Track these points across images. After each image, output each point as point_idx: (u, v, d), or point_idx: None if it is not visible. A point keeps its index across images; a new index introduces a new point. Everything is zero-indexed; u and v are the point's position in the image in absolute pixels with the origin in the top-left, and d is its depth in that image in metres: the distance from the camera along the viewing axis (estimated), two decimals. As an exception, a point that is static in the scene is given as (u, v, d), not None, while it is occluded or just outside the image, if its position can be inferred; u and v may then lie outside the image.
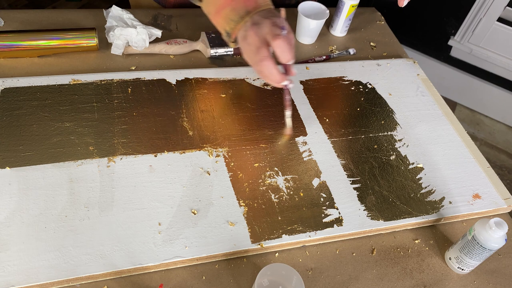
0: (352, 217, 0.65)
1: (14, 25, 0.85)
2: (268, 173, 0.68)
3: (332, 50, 0.96)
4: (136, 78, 0.78)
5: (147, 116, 0.73)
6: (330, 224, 0.63)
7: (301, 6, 0.93)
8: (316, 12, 0.94)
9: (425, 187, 0.71)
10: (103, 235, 0.57)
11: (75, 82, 0.75)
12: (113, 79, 0.77)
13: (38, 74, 0.77)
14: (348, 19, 0.96)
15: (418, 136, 0.79)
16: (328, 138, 0.75)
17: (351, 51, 0.95)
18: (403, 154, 0.75)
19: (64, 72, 0.79)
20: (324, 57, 0.93)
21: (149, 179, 0.64)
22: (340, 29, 0.98)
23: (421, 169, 0.73)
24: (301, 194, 0.66)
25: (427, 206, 0.68)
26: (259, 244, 0.60)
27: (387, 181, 0.71)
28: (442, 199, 0.70)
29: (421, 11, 1.92)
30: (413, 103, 0.85)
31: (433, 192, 0.70)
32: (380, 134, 0.78)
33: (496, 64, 1.88)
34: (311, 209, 0.65)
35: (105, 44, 0.84)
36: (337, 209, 0.65)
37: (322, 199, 0.66)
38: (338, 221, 0.64)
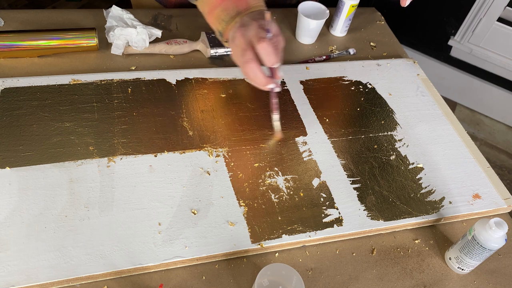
0: (352, 217, 0.65)
1: (14, 25, 0.85)
2: (268, 173, 0.68)
3: (332, 50, 0.96)
4: (136, 78, 0.78)
5: (147, 116, 0.73)
6: (330, 224, 0.63)
7: (301, 6, 0.93)
8: (316, 12, 0.94)
9: (425, 187, 0.71)
10: (103, 235, 0.57)
11: (75, 82, 0.75)
12: (113, 79, 0.77)
13: (38, 74, 0.77)
14: (348, 19, 0.96)
15: (418, 136, 0.79)
16: (328, 138, 0.75)
17: (351, 51, 0.96)
18: (403, 154, 0.75)
19: (64, 72, 0.79)
20: (324, 57, 0.93)
21: (149, 179, 0.64)
22: (340, 29, 0.98)
23: (421, 169, 0.73)
24: (301, 194, 0.66)
25: (427, 206, 0.68)
26: (259, 244, 0.60)
27: (387, 181, 0.71)
28: (442, 199, 0.70)
29: (421, 11, 1.92)
30: (413, 103, 0.85)
31: (433, 192, 0.70)
32: (380, 134, 0.78)
33: (496, 64, 1.88)
34: (311, 209, 0.65)
35: (105, 44, 0.84)
36: (337, 209, 0.65)
37: (322, 199, 0.66)
38: (338, 221, 0.64)
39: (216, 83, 0.80)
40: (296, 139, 0.74)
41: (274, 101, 0.69)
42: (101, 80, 0.76)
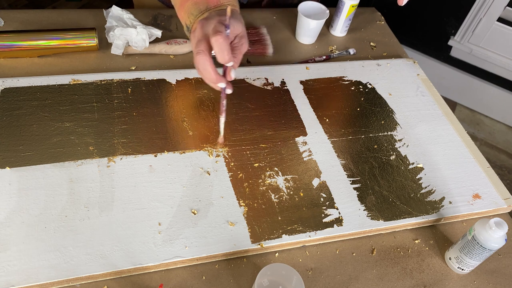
0: (352, 217, 0.65)
1: (14, 25, 0.85)
2: (268, 173, 0.68)
3: (332, 50, 0.96)
4: (136, 78, 0.78)
5: (147, 116, 0.73)
6: (330, 224, 0.63)
7: (301, 6, 0.93)
8: (316, 12, 0.94)
9: (425, 187, 0.71)
10: (103, 235, 0.57)
11: (75, 82, 0.75)
12: (113, 79, 0.77)
13: (38, 74, 0.77)
14: (348, 19, 0.96)
15: (418, 136, 0.79)
16: (328, 138, 0.75)
17: (351, 51, 0.96)
18: (403, 154, 0.75)
19: (64, 72, 0.79)
20: (324, 57, 0.93)
21: (149, 179, 0.64)
22: (340, 29, 0.98)
23: (421, 169, 0.73)
24: (301, 194, 0.66)
25: (427, 206, 0.68)
26: (259, 244, 0.60)
27: (387, 181, 0.71)
28: (442, 199, 0.70)
29: (421, 11, 1.92)
30: (413, 103, 0.85)
31: (433, 192, 0.70)
32: (380, 134, 0.78)
33: (496, 64, 1.88)
34: (311, 209, 0.65)
35: (105, 44, 0.84)
36: (337, 209, 0.65)
37: (322, 199, 0.66)
38: (338, 221, 0.64)
39: (216, 83, 0.80)
40: (296, 139, 0.74)
41: (223, 102, 0.66)
42: (101, 80, 0.76)
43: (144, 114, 0.73)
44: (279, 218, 0.63)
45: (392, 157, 0.74)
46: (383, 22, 1.07)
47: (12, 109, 0.69)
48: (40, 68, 0.78)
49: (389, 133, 0.78)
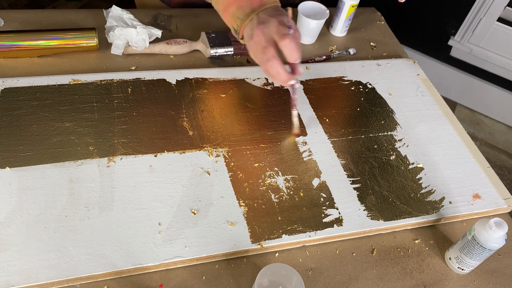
0: (352, 217, 0.65)
1: (14, 25, 0.85)
2: (268, 173, 0.68)
3: (332, 50, 0.96)
4: (136, 78, 0.78)
5: (147, 116, 0.73)
6: (330, 224, 0.63)
7: (301, 6, 0.93)
8: (316, 12, 0.94)
9: (425, 187, 0.71)
10: (103, 235, 0.57)
11: (75, 82, 0.75)
12: (113, 79, 0.77)
13: (38, 74, 0.77)
14: (348, 19, 0.96)
15: (418, 136, 0.79)
16: (328, 138, 0.75)
17: (351, 51, 0.96)
18: (403, 154, 0.75)
19: (64, 72, 0.79)
20: (324, 57, 0.93)
21: (149, 179, 0.64)
22: (340, 29, 0.98)
23: (421, 169, 0.73)
24: (301, 194, 0.66)
25: (427, 206, 0.68)
26: (259, 244, 0.60)
27: (387, 181, 0.71)
28: (442, 199, 0.70)
29: (421, 11, 1.92)
30: (413, 103, 0.85)
31: (433, 192, 0.70)
32: (380, 134, 0.78)
33: (496, 64, 1.88)
34: (311, 209, 0.65)
35: (105, 44, 0.84)
36: (337, 209, 0.65)
37: (322, 199, 0.66)
38: (338, 221, 0.64)
39: (216, 83, 0.80)
40: (296, 139, 0.74)
41: (294, 97, 0.69)
42: (101, 80, 0.76)
43: (144, 114, 0.73)
44: (279, 218, 0.63)
45: (392, 157, 0.74)
46: (383, 22, 1.07)
47: (12, 109, 0.69)
48: (40, 68, 0.78)
49: (389, 133, 0.78)
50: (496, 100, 2.00)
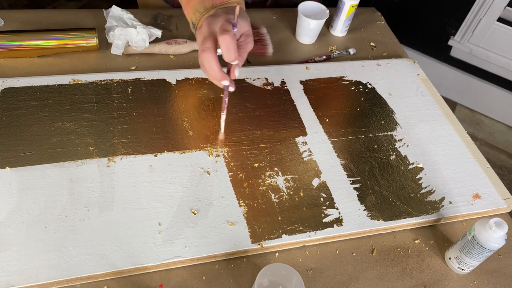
0: (352, 217, 0.65)
1: (14, 25, 0.85)
2: (268, 173, 0.68)
3: (332, 50, 0.96)
4: (136, 78, 0.78)
5: (147, 116, 0.73)
6: (330, 224, 0.63)
7: (301, 6, 0.93)
8: (316, 12, 0.94)
9: (425, 187, 0.71)
10: (103, 235, 0.57)
11: (75, 82, 0.75)
12: (113, 79, 0.77)
13: (38, 74, 0.77)
14: (348, 19, 0.96)
15: (418, 136, 0.79)
16: (328, 138, 0.75)
17: (351, 51, 0.96)
18: (403, 154, 0.75)
19: (64, 72, 0.79)
20: (324, 57, 0.93)
21: (149, 179, 0.64)
22: (340, 29, 0.98)
23: (421, 169, 0.73)
24: (301, 194, 0.66)
25: (427, 206, 0.68)
26: (259, 244, 0.60)
27: (387, 181, 0.71)
28: (442, 199, 0.70)
29: (421, 11, 1.92)
30: (413, 103, 0.85)
31: (433, 192, 0.70)
32: (380, 134, 0.78)
33: (496, 64, 1.88)
34: (311, 209, 0.65)
35: (105, 44, 0.84)
36: (337, 209, 0.65)
37: (322, 199, 0.66)
38: (338, 221, 0.64)
39: (216, 83, 0.80)
40: (296, 139, 0.74)
41: (225, 99, 0.66)
42: (101, 80, 0.76)
43: (144, 114, 0.73)
44: (279, 218, 0.63)
45: (392, 157, 0.74)
46: (383, 22, 1.07)
47: (12, 109, 0.69)
48: (40, 68, 0.78)
49: (389, 133, 0.78)
50: (496, 100, 2.00)
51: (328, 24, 1.00)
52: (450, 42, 1.93)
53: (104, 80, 0.77)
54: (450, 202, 0.69)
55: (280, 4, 1.06)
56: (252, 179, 0.67)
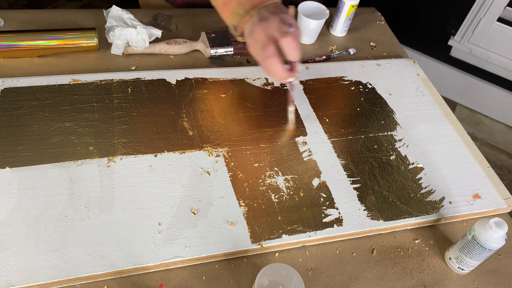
0: (352, 217, 0.65)
1: (14, 25, 0.85)
2: (268, 173, 0.68)
3: (332, 50, 0.96)
4: (136, 78, 0.78)
5: (147, 116, 0.73)
6: (330, 224, 0.63)
7: (301, 6, 0.93)
8: (316, 12, 0.94)
9: (425, 187, 0.71)
10: (103, 235, 0.57)
11: (75, 82, 0.75)
12: (113, 79, 0.77)
13: (38, 74, 0.77)
14: (348, 19, 0.96)
15: (418, 136, 0.79)
16: (328, 138, 0.75)
17: (351, 51, 0.96)
18: (403, 154, 0.75)
19: (64, 72, 0.79)
20: (324, 57, 0.93)
21: (149, 179, 0.64)
22: (340, 29, 0.98)
23: (421, 169, 0.73)
24: (301, 194, 0.66)
25: (427, 206, 0.68)
26: (259, 244, 0.60)
27: (387, 181, 0.71)
28: (442, 199, 0.70)
29: (421, 11, 1.92)
30: (413, 103, 0.85)
31: (433, 192, 0.70)
32: (380, 134, 0.78)
33: (496, 64, 1.88)
34: (311, 209, 0.65)
35: (105, 44, 0.84)
36: (337, 209, 0.65)
37: (322, 199, 0.66)
38: (338, 221, 0.64)
39: (216, 83, 0.80)
40: (296, 139, 0.74)
41: (292, 93, 0.69)
42: (101, 80, 0.76)
43: (144, 114, 0.73)
44: (279, 218, 0.63)
45: (392, 157, 0.74)
46: (383, 22, 1.07)
47: (12, 109, 0.69)
48: (40, 68, 0.78)
49: (389, 133, 0.78)
50: (496, 100, 2.00)
51: (328, 24, 1.00)
52: (450, 42, 1.93)
53: (104, 80, 0.77)
54: (450, 202, 0.69)
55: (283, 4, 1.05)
56: (252, 179, 0.67)
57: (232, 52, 0.87)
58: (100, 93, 0.74)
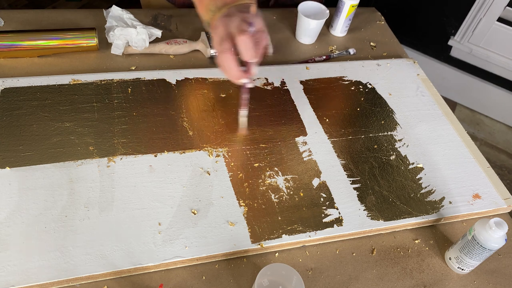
0: (352, 217, 0.65)
1: (14, 25, 0.85)
2: (268, 173, 0.68)
3: (332, 50, 0.96)
4: (136, 78, 0.78)
5: (147, 116, 0.73)
6: (330, 224, 0.63)
7: (301, 6, 0.93)
8: (316, 12, 0.94)
9: (425, 187, 0.71)
10: (103, 235, 0.57)
11: (75, 82, 0.75)
12: (113, 79, 0.77)
13: (38, 74, 0.77)
14: (348, 19, 0.96)
15: (418, 136, 0.79)
16: (328, 138, 0.75)
17: (351, 51, 0.96)
18: (403, 154, 0.75)
19: (64, 72, 0.79)
20: (324, 57, 0.93)
21: (149, 179, 0.64)
22: (340, 29, 0.98)
23: (421, 169, 0.73)
24: (301, 194, 0.66)
25: (427, 206, 0.68)
26: (259, 244, 0.60)
27: (387, 181, 0.71)
28: (442, 199, 0.70)
29: (421, 11, 1.92)
30: (413, 103, 0.85)
31: (433, 192, 0.70)
32: (380, 134, 0.78)
33: (496, 64, 1.88)
34: (311, 209, 0.65)
35: (105, 44, 0.84)
36: (337, 209, 0.65)
37: (322, 199, 0.66)
38: (338, 221, 0.64)
39: (216, 83, 0.80)
40: (296, 139, 0.74)
41: (245, 96, 0.68)
42: (101, 80, 0.76)
43: (144, 114, 0.73)
44: (279, 218, 0.63)
45: (392, 157, 0.74)
46: (383, 22, 1.07)
47: (12, 109, 0.69)
48: (40, 68, 0.78)
49: (389, 133, 0.78)
50: (496, 100, 2.00)
51: (328, 24, 1.00)
52: (450, 42, 1.93)
53: (104, 80, 0.77)
54: (450, 202, 0.69)
55: (281, 4, 1.06)
56: (252, 179, 0.67)
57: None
58: (100, 93, 0.74)
